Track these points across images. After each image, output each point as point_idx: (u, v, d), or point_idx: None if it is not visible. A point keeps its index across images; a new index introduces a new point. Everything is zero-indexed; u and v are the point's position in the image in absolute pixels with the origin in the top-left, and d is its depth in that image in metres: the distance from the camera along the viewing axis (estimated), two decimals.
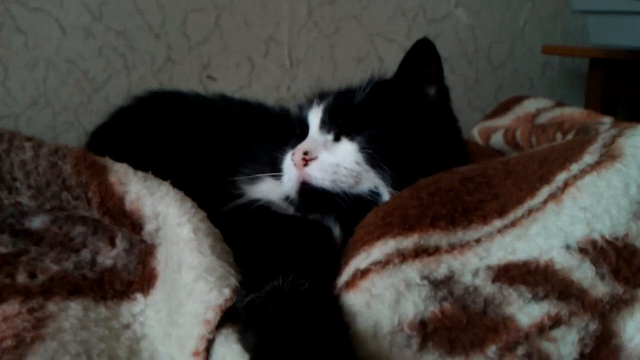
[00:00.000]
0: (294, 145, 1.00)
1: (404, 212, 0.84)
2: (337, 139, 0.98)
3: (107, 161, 0.92)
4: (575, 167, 0.86)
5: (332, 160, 0.94)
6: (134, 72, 2.04)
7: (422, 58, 1.02)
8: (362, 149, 0.95)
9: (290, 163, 0.97)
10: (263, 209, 1.00)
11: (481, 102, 2.47)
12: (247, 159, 1.13)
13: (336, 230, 0.95)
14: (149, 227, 0.88)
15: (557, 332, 0.74)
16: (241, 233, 0.92)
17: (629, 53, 1.97)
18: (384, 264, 0.78)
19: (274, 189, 1.02)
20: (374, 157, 0.94)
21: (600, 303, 0.76)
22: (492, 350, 0.72)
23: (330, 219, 0.96)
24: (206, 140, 1.24)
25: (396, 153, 0.94)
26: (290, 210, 1.01)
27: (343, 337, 0.72)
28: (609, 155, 0.85)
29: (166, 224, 0.87)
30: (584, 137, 0.95)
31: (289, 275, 0.75)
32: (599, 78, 2.17)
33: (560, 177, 0.86)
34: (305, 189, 0.94)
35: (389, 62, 1.96)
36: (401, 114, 1.00)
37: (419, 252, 0.79)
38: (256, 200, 1.01)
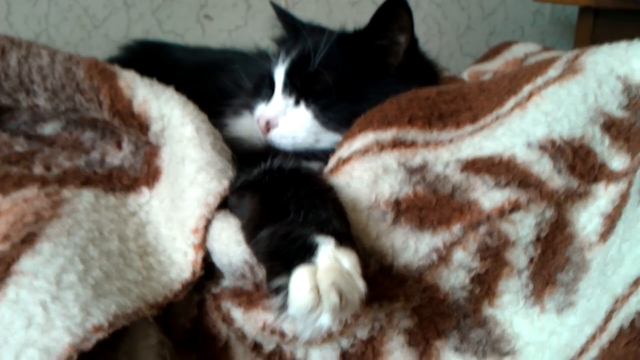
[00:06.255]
0: (264, 98, 1.10)
1: (383, 113, 0.93)
2: (297, 103, 1.06)
3: (116, 68, 1.00)
4: (540, 80, 0.95)
5: (290, 128, 1.03)
6: (133, 10, 2.10)
7: (396, 9, 1.03)
8: (316, 117, 1.03)
9: (257, 124, 1.07)
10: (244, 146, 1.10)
11: (472, 48, 2.54)
12: (229, 96, 1.22)
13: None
14: (154, 127, 0.97)
15: (516, 216, 0.84)
16: None
17: (618, 1, 2.01)
18: (363, 152, 0.88)
19: (252, 126, 1.11)
20: (328, 123, 1.03)
21: (557, 194, 0.85)
22: (457, 227, 0.82)
23: None
24: (193, 82, 1.33)
25: (354, 112, 1.00)
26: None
27: (331, 192, 0.83)
28: (571, 69, 0.94)
29: (171, 125, 0.96)
30: (551, 57, 1.04)
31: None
32: (587, 26, 2.20)
33: (526, 89, 0.94)
34: (272, 147, 1.05)
35: None
36: (366, 66, 1.06)
37: (397, 144, 0.88)
38: (237, 138, 1.11)
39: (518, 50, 1.99)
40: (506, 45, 2.07)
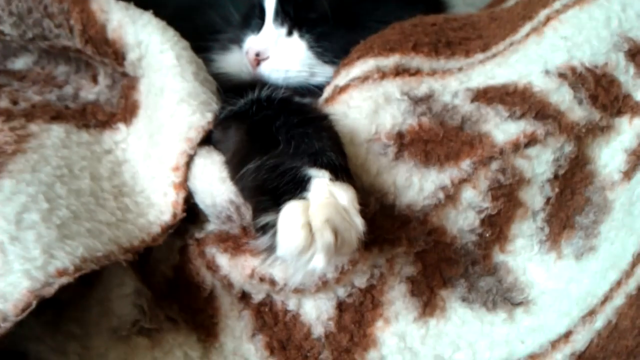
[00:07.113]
0: (253, 29, 1.01)
1: (385, 39, 0.84)
2: (290, 33, 0.96)
3: None
4: (557, 3, 0.86)
5: (283, 60, 0.94)
6: None
7: None
8: (311, 48, 0.94)
9: (245, 57, 0.97)
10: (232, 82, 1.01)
11: None
12: (217, 31, 1.13)
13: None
14: (131, 55, 0.88)
15: (532, 151, 0.76)
16: None
17: None
18: (362, 79, 0.79)
19: (241, 61, 1.02)
20: (325, 54, 0.94)
21: (577, 126, 0.77)
22: (466, 163, 0.75)
23: None
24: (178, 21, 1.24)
25: (353, 42, 0.91)
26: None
27: (326, 120, 0.75)
28: None
29: (149, 52, 0.87)
30: None
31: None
32: None
33: (543, 13, 0.85)
34: (262, 82, 0.94)
35: None
36: None
37: (400, 71, 0.79)
38: (224, 74, 1.02)
39: None
40: None
